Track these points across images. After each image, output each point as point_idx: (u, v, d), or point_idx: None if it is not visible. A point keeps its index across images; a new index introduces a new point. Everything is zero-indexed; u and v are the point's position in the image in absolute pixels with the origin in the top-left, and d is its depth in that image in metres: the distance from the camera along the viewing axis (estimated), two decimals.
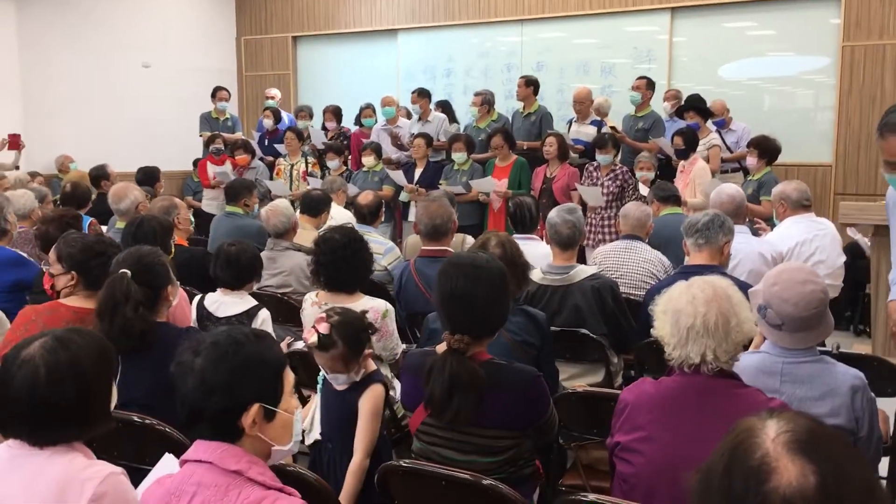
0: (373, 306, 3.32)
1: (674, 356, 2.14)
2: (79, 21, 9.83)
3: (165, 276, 2.73)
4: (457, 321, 2.24)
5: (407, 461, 2.27)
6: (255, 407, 1.66)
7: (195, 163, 10.10)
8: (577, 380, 3.64)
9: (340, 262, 3.28)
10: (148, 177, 6.96)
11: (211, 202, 8.22)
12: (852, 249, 5.20)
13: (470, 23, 9.95)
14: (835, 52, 8.07)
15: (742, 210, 4.29)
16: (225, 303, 3.57)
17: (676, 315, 2.13)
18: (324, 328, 2.53)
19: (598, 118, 7.57)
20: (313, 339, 2.53)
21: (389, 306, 3.37)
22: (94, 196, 6.31)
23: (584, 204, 6.71)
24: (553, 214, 3.79)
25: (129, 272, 2.61)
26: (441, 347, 2.30)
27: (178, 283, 2.87)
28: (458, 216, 4.58)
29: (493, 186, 6.89)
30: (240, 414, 1.65)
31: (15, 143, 8.39)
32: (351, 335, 2.55)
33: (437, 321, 3.10)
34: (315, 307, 3.39)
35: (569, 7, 9.32)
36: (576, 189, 6.76)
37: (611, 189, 6.74)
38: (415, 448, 2.38)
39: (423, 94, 8.12)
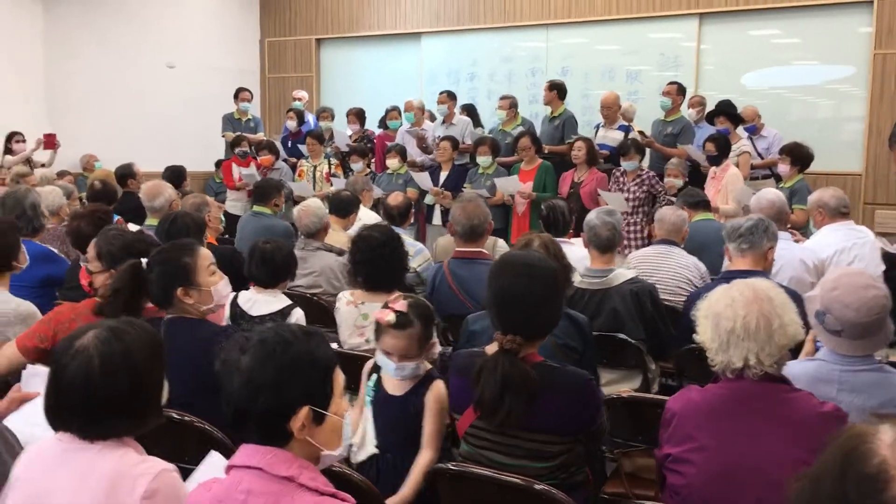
0: None
1: (716, 361, 2.08)
2: (104, 20, 9.88)
3: (178, 277, 2.62)
4: (509, 321, 2.18)
5: (455, 464, 2.21)
6: (305, 410, 1.58)
7: (217, 163, 10.10)
8: (613, 385, 3.58)
9: (379, 261, 3.23)
10: (175, 176, 6.94)
11: (235, 203, 8.19)
12: (890, 259, 5.08)
13: (494, 27, 9.91)
14: (865, 61, 7.97)
15: (783, 216, 4.21)
16: (259, 301, 3.52)
17: (716, 319, 2.07)
18: (401, 306, 2.49)
19: (626, 123, 7.50)
20: (390, 317, 2.47)
21: (428, 305, 3.31)
22: (119, 194, 6.30)
23: None
24: (592, 216, 3.72)
25: (144, 261, 2.58)
26: (491, 348, 2.24)
27: (214, 294, 2.76)
28: None
29: (518, 187, 6.83)
30: (288, 416, 1.57)
31: (51, 142, 8.41)
32: (425, 317, 2.54)
33: (476, 323, 3.05)
34: (350, 306, 3.34)
35: (595, 12, 9.27)
36: (600, 195, 6.71)
37: (637, 195, 6.68)
38: (462, 451, 2.31)
39: (450, 97, 8.09)
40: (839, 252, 4.47)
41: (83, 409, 1.65)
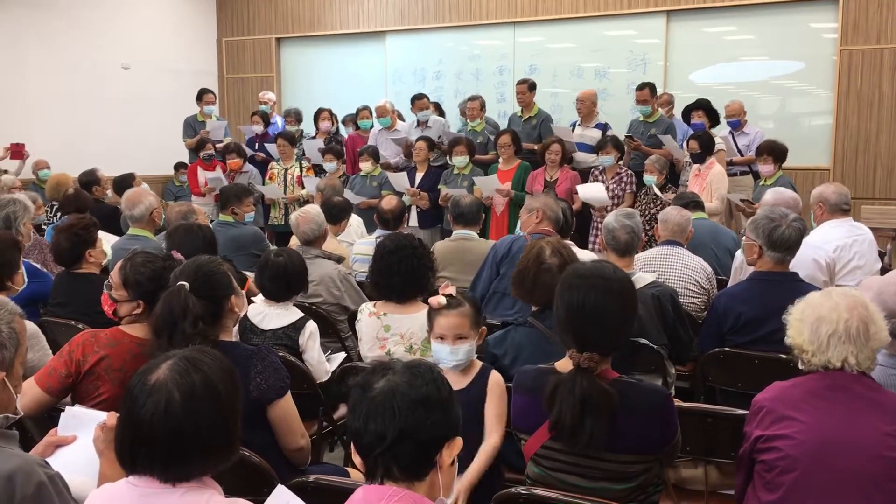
0: None
1: (813, 362, 2.15)
2: (55, 21, 9.43)
3: (227, 285, 2.48)
4: (586, 338, 2.06)
5: (525, 488, 2.08)
6: (459, 440, 1.48)
7: (176, 166, 9.79)
8: None
9: (405, 271, 3.08)
10: (123, 187, 6.57)
11: (201, 209, 7.90)
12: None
13: (460, 25, 9.80)
14: (832, 57, 8.09)
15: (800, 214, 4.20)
16: (269, 314, 3.35)
17: (817, 323, 2.14)
18: (450, 290, 2.65)
19: (603, 122, 7.45)
20: (441, 299, 2.61)
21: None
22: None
23: (588, 207, 6.61)
24: (611, 219, 3.63)
25: (186, 284, 2.38)
26: (564, 365, 2.12)
27: (244, 293, 2.63)
28: None
29: (497, 186, 6.72)
30: (442, 445, 1.47)
31: (19, 152, 8.01)
32: (473, 301, 2.70)
33: (498, 346, 2.91)
34: (373, 318, 3.18)
35: (562, 10, 9.23)
36: (577, 193, 6.62)
37: (615, 192, 6.64)
38: (531, 473, 2.18)
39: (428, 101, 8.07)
40: (840, 249, 4.45)
41: (165, 450, 1.48)
